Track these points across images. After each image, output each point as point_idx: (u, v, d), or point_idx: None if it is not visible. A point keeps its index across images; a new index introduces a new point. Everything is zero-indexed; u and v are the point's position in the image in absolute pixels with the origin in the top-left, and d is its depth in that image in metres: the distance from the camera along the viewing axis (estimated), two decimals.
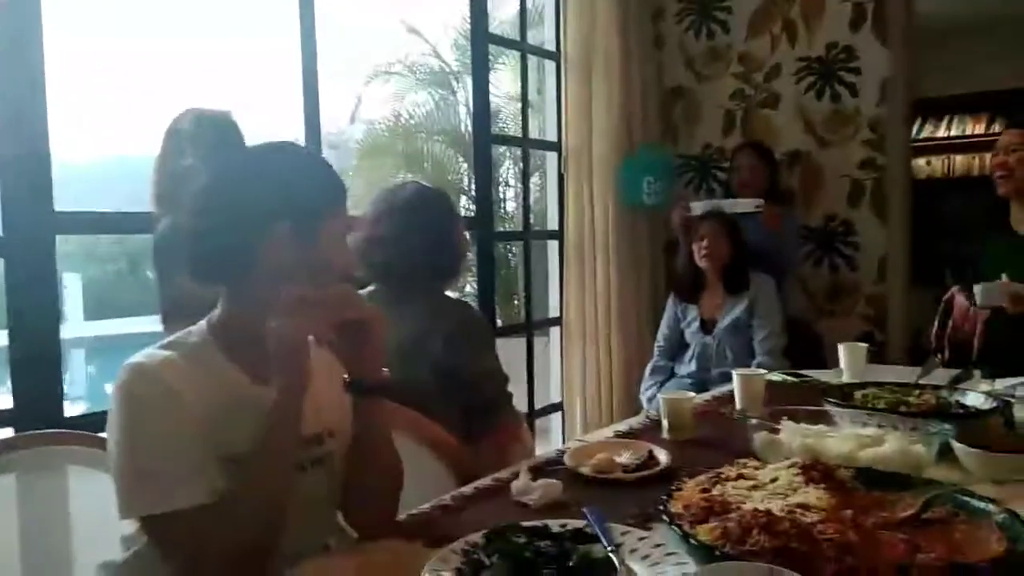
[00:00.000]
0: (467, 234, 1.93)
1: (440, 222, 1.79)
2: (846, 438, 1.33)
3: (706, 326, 2.97)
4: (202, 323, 1.11)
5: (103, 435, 1.38)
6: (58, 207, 1.89)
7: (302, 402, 1.02)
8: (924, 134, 5.91)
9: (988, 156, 5.69)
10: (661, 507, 1.06)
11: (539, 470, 1.35)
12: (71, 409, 1.96)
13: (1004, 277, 2.30)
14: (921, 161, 5.90)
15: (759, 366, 2.71)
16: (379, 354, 1.10)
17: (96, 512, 1.20)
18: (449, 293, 1.90)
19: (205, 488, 0.98)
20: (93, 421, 1.86)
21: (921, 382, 1.73)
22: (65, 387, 1.91)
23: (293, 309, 0.99)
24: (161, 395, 0.99)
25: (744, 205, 3.16)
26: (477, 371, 1.71)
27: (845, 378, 2.09)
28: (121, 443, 0.99)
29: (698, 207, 3.25)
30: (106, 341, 10.32)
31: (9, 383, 1.84)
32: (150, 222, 1.77)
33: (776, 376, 2.19)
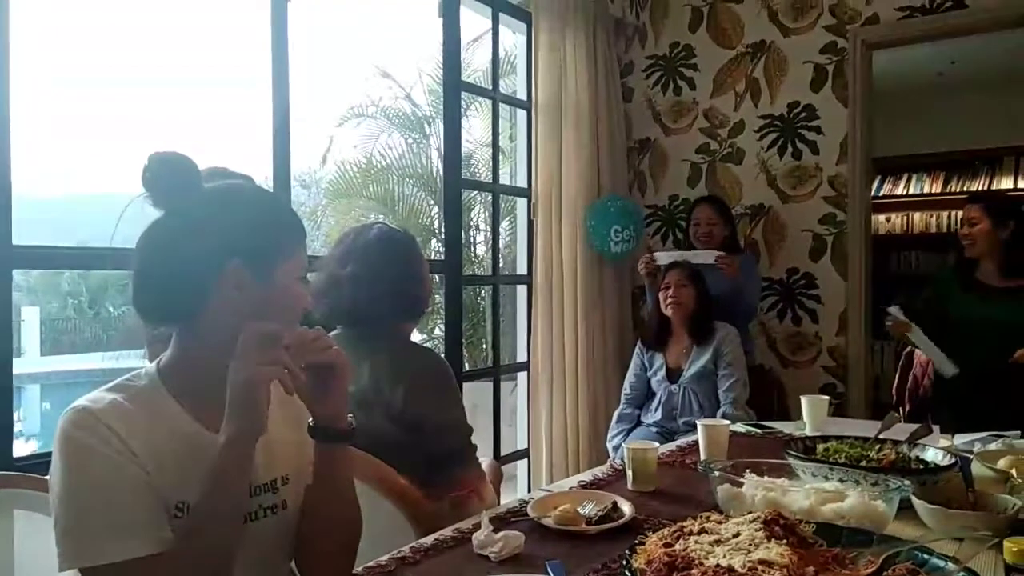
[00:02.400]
0: (432, 276, 1.92)
1: (406, 265, 1.78)
2: (808, 492, 1.34)
3: (672, 374, 2.99)
4: (152, 365, 1.08)
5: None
6: (17, 241, 1.85)
7: (254, 448, 0.99)
8: (883, 191, 6.09)
9: (945, 214, 5.92)
10: (624, 562, 1.05)
11: (501, 521, 1.33)
12: (24, 447, 1.89)
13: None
14: (881, 217, 6.07)
15: (724, 416, 2.73)
16: (344, 399, 1.09)
17: (43, 558, 1.15)
18: (415, 338, 1.88)
19: (151, 539, 0.95)
20: (43, 462, 1.80)
21: (881, 436, 1.75)
22: (18, 424, 1.85)
23: (259, 349, 0.96)
24: (107, 440, 0.95)
25: (704, 256, 3.22)
26: (440, 421, 1.68)
27: (807, 431, 2.11)
28: (62, 490, 0.94)
29: (662, 257, 3.30)
30: (63, 376, 10.05)
31: None
32: (108, 258, 1.74)
33: (740, 427, 2.20)
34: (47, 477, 1.33)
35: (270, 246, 1.05)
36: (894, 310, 2.87)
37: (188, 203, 1.04)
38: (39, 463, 1.80)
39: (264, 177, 2.84)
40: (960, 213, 5.52)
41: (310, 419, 1.09)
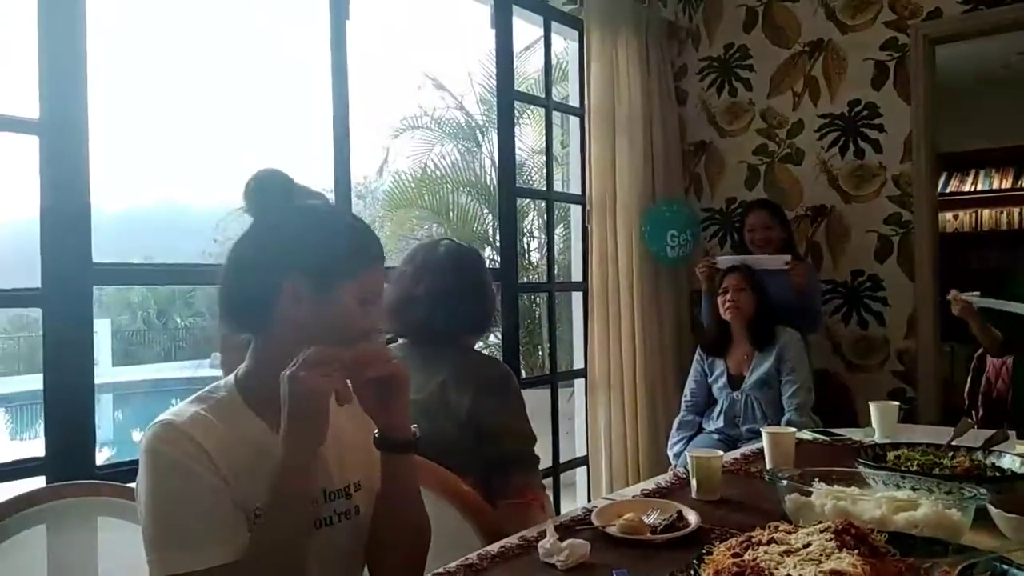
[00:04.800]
0: (494, 291, 1.95)
1: (474, 282, 1.81)
2: (880, 501, 1.31)
3: (733, 381, 2.95)
4: (230, 377, 1.12)
5: (133, 485, 1.40)
6: (96, 257, 1.94)
7: (314, 459, 1.02)
8: (950, 188, 5.90)
9: (1016, 210, 5.70)
10: (692, 571, 1.04)
11: (566, 529, 1.34)
12: (99, 455, 1.98)
13: None
14: (948, 215, 5.87)
15: (788, 423, 2.68)
16: (406, 410, 1.11)
17: (126, 564, 1.20)
18: (478, 347, 1.91)
19: (231, 547, 0.99)
20: (124, 470, 1.88)
21: (955, 443, 1.70)
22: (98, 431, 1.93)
23: (314, 367, 0.99)
24: (189, 454, 1.00)
25: (772, 262, 3.14)
26: (504, 429, 1.70)
27: (877, 437, 2.06)
28: (151, 501, 0.99)
29: (725, 260, 3.25)
30: (132, 387, 10.44)
31: (42, 432, 1.87)
32: (182, 273, 1.82)
33: (807, 434, 2.16)
34: (129, 485, 1.39)
35: (331, 265, 1.08)
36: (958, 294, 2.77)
37: (273, 218, 1.10)
38: (118, 471, 1.88)
39: (323, 188, 2.90)
40: None
41: (375, 431, 1.12)
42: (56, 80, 1.88)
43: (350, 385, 1.05)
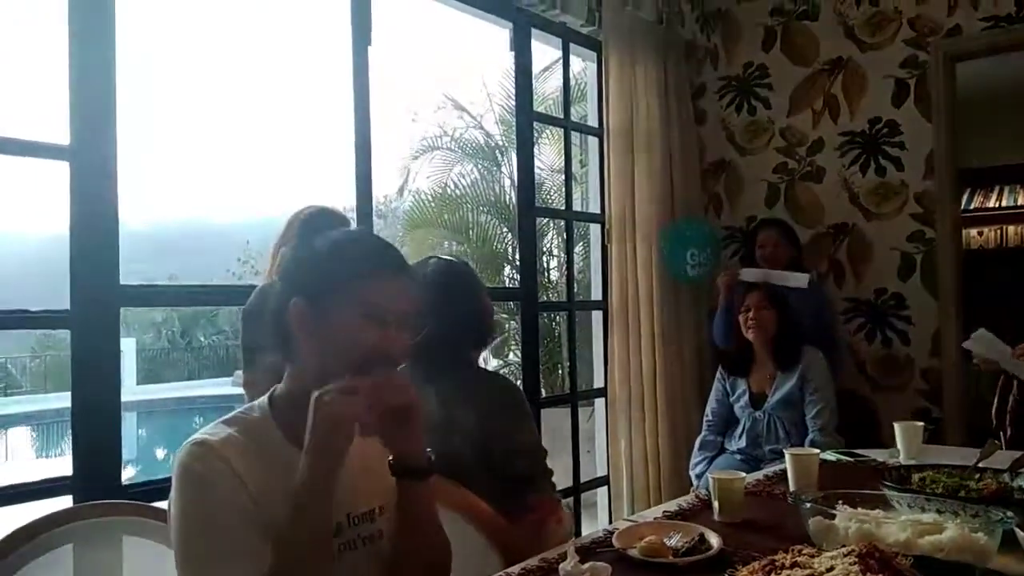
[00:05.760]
0: (504, 303, 1.94)
1: (465, 295, 1.80)
2: (904, 524, 1.29)
3: (756, 401, 2.92)
4: (264, 398, 1.14)
5: (159, 504, 1.42)
6: (122, 275, 1.97)
7: (331, 484, 1.03)
8: (974, 204, 5.83)
9: None
10: None
11: (587, 551, 1.34)
12: (124, 473, 2.00)
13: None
14: (973, 231, 5.80)
15: (812, 443, 2.65)
16: (420, 435, 1.11)
17: None
18: (491, 365, 1.91)
19: (257, 566, 1.00)
20: (149, 490, 1.91)
21: (981, 465, 1.68)
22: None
23: (343, 394, 1.01)
24: (221, 473, 1.01)
25: (796, 279, 3.16)
26: (513, 445, 1.69)
27: (902, 459, 2.03)
28: (181, 519, 1.01)
29: (749, 273, 3.27)
30: (156, 405, 10.53)
31: (67, 450, 1.90)
32: (210, 295, 1.85)
33: (830, 455, 2.14)
34: (154, 505, 1.41)
35: (325, 284, 1.08)
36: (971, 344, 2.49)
37: (292, 248, 1.15)
38: (144, 491, 1.91)
39: (345, 208, 2.95)
40: None
41: (390, 457, 1.12)
42: (86, 107, 1.93)
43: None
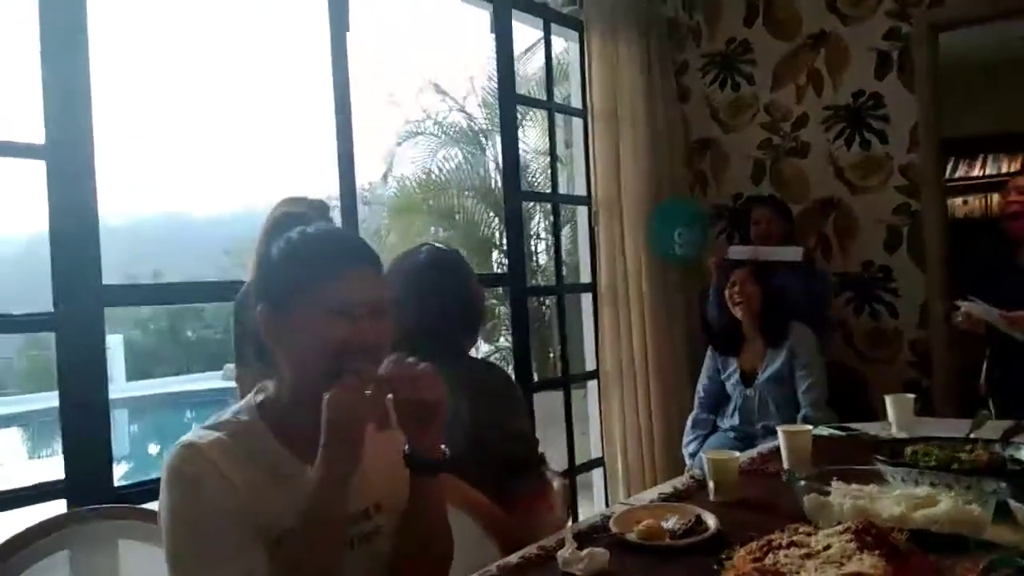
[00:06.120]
0: (495, 289, 1.94)
1: (460, 283, 1.80)
2: (898, 499, 1.30)
3: (746, 378, 2.94)
4: (251, 402, 1.13)
5: (151, 506, 1.41)
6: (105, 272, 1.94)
7: (348, 482, 1.03)
8: (958, 173, 5.85)
9: None
10: None
11: (585, 537, 1.34)
12: (117, 469, 1.98)
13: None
14: (958, 200, 5.83)
15: (804, 419, 2.67)
16: (439, 431, 1.11)
17: None
18: (473, 353, 1.90)
19: (255, 568, 0.99)
20: (143, 491, 1.89)
21: (972, 436, 1.69)
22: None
23: (355, 390, 1.00)
24: (209, 475, 1.01)
25: (785, 253, 3.17)
26: (504, 432, 1.69)
27: (893, 432, 2.05)
28: (170, 523, 1.01)
29: (736, 251, 3.29)
30: (147, 400, 10.48)
31: (57, 450, 1.88)
32: (191, 292, 1.83)
33: (823, 430, 2.15)
34: (147, 506, 1.40)
35: (287, 289, 1.07)
36: (968, 305, 2.63)
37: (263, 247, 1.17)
38: (137, 494, 1.89)
39: (328, 196, 2.91)
40: None
41: (404, 447, 1.12)
42: (60, 104, 1.89)
43: (389, 404, 1.05)
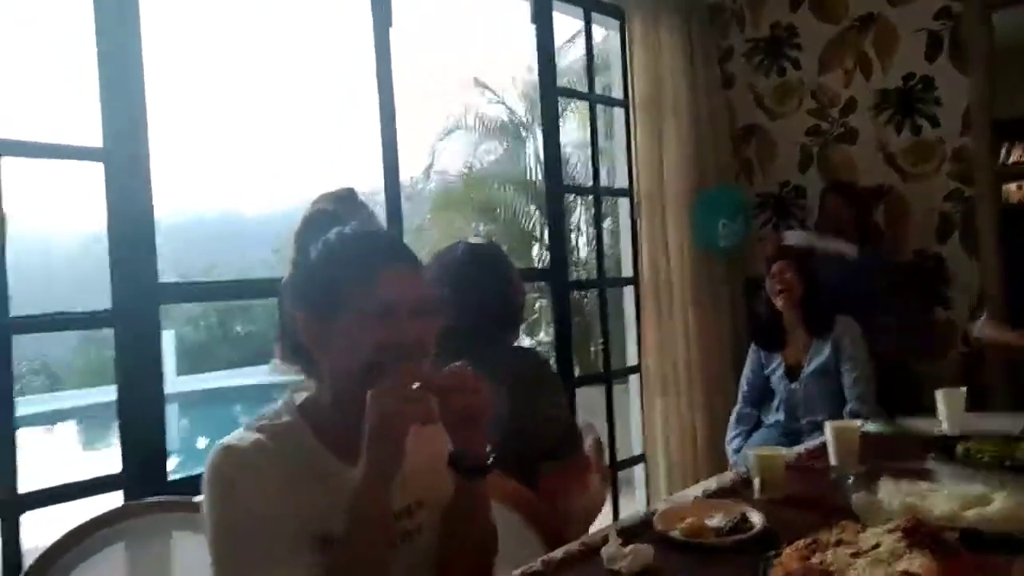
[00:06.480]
0: (535, 283, 1.93)
1: (499, 276, 1.80)
2: (950, 497, 1.27)
3: (791, 372, 2.89)
4: (291, 402, 1.13)
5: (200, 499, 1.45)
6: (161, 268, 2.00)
7: (392, 482, 1.03)
8: (1012, 158, 5.65)
9: None
10: None
11: (629, 534, 1.33)
12: (168, 463, 2.04)
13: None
14: (1012, 186, 5.63)
15: (851, 413, 2.62)
16: (484, 436, 1.10)
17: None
18: (529, 343, 1.91)
19: (300, 570, 1.00)
20: (193, 484, 1.94)
21: None
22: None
23: (402, 391, 1.00)
24: (250, 477, 1.02)
25: (839, 246, 3.18)
26: (538, 418, 1.69)
27: (945, 428, 1.99)
28: (211, 524, 1.02)
29: (792, 237, 3.28)
30: (197, 395, 10.75)
31: (112, 443, 1.94)
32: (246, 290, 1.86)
33: (872, 426, 2.11)
34: (197, 499, 1.44)
35: (324, 294, 1.06)
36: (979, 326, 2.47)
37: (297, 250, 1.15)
38: (189, 484, 1.94)
39: (371, 191, 2.95)
40: None
41: (449, 448, 1.11)
42: (117, 107, 1.94)
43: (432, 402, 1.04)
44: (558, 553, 1.30)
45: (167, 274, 2.06)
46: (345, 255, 1.08)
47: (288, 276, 1.14)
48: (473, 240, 1.88)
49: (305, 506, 1.04)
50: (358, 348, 1.05)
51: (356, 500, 1.01)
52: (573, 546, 1.33)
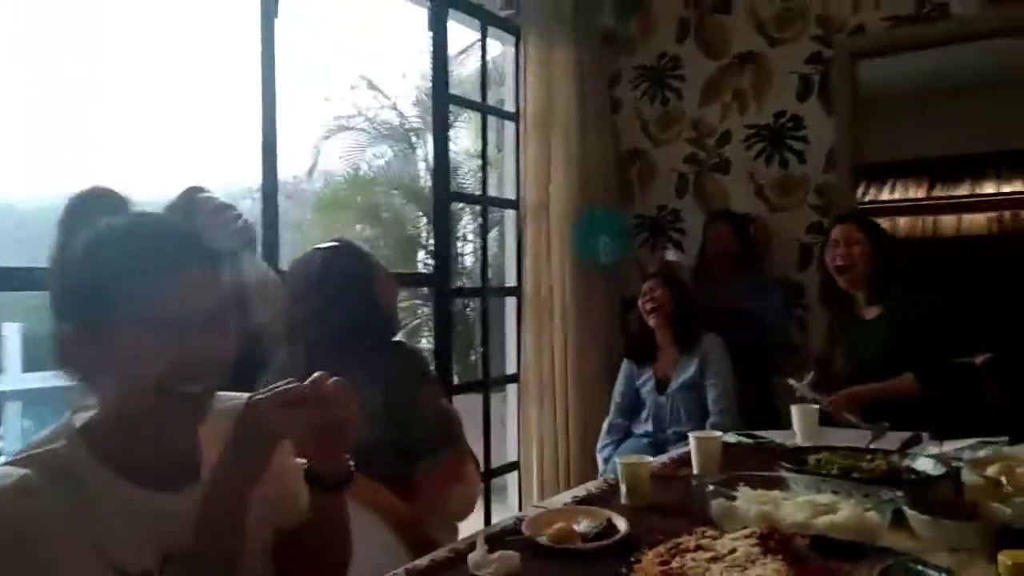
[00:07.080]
0: (392, 277, 1.87)
1: (357, 279, 1.74)
2: (802, 505, 1.34)
3: (660, 385, 2.99)
4: (69, 426, 0.95)
5: None
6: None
7: (249, 493, 0.93)
8: (868, 197, 6.13)
9: (930, 219, 5.93)
10: None
11: (496, 540, 1.32)
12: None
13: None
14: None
15: (712, 426, 2.73)
16: (347, 446, 1.01)
17: None
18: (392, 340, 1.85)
19: None
20: None
21: (872, 447, 1.75)
22: (0, 441, 1.82)
23: (282, 405, 0.91)
24: (16, 524, 0.83)
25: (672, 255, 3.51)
26: (418, 412, 1.67)
27: (798, 441, 2.11)
28: None
29: (671, 255, 3.52)
30: (45, 393, 9.97)
31: None
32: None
33: (732, 437, 2.20)
34: None
35: (93, 301, 0.88)
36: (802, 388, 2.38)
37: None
38: None
39: (250, 188, 2.83)
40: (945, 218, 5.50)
41: (304, 465, 1.03)
42: None
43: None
44: (424, 561, 1.28)
45: (14, 259, 1.88)
46: (122, 252, 0.90)
47: (49, 279, 0.92)
48: (324, 246, 1.78)
49: (97, 543, 0.88)
50: (150, 366, 0.89)
51: (206, 511, 0.91)
52: (440, 553, 1.30)
